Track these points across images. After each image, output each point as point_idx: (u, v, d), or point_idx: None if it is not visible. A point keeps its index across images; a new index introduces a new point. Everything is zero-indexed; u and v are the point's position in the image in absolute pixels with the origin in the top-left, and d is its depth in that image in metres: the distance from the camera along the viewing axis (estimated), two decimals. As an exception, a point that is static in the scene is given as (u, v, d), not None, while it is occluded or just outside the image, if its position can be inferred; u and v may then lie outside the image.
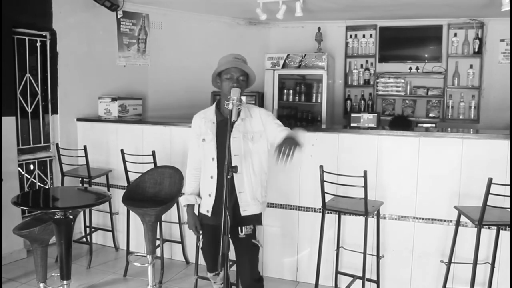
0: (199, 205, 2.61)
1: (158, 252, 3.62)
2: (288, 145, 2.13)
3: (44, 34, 4.34)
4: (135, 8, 5.24)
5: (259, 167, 2.50)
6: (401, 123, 4.77)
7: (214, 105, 2.58)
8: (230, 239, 2.38)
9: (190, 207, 2.59)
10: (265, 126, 2.48)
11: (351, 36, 5.99)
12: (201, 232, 2.62)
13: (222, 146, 2.36)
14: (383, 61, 5.86)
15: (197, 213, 2.64)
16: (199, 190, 2.60)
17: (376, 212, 3.13)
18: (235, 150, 2.42)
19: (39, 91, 4.38)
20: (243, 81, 2.44)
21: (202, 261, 3.76)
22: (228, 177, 2.20)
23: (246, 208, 2.47)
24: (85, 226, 4.47)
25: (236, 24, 6.15)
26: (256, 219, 2.54)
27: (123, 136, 4.33)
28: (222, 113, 2.50)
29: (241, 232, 2.45)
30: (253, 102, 5.49)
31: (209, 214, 2.50)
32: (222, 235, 2.18)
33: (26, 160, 4.25)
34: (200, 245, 2.68)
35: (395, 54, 5.82)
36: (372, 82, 5.88)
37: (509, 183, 2.73)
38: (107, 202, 4.10)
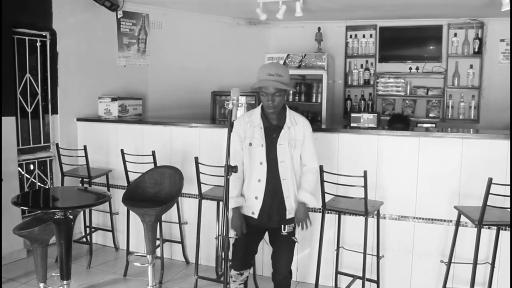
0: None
1: (158, 252, 3.62)
2: (302, 221, 2.60)
3: (44, 34, 4.34)
4: (135, 8, 5.24)
5: (299, 173, 2.66)
6: (400, 121, 4.77)
7: (259, 110, 2.63)
8: (267, 236, 2.68)
9: (237, 208, 2.62)
10: (305, 137, 2.63)
11: (351, 36, 5.99)
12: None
13: (269, 151, 2.53)
14: (383, 61, 5.86)
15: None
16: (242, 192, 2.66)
17: (376, 212, 3.13)
18: (282, 156, 2.55)
19: (39, 91, 4.38)
20: (279, 96, 2.50)
21: (202, 261, 3.78)
22: (228, 177, 2.22)
23: (291, 212, 2.61)
24: (85, 226, 4.47)
25: (236, 24, 6.15)
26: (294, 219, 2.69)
27: (123, 136, 4.33)
28: (268, 119, 2.60)
29: (284, 230, 2.61)
30: (253, 102, 5.49)
31: (255, 216, 2.59)
32: (222, 235, 2.19)
33: (26, 160, 4.25)
34: (233, 241, 2.71)
35: (395, 54, 5.82)
36: (372, 82, 5.88)
37: (509, 183, 2.73)
38: (107, 202, 4.11)
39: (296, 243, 2.70)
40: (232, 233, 2.70)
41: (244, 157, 2.61)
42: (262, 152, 2.55)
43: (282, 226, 2.60)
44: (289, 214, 2.60)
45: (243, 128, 2.60)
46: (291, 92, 5.72)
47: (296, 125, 2.60)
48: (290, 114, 2.63)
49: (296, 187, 2.62)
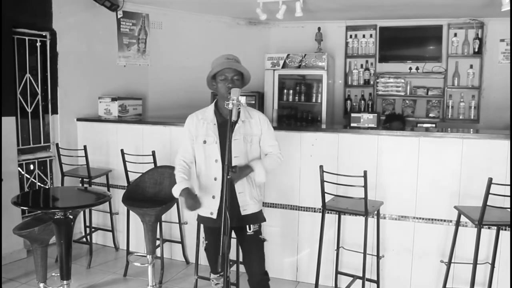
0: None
1: (158, 252, 3.62)
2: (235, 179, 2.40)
3: (44, 34, 4.34)
4: (135, 8, 5.24)
5: None
6: (395, 119, 4.81)
7: (212, 106, 2.59)
8: (233, 238, 2.47)
9: (186, 189, 2.48)
10: (262, 131, 2.56)
11: (351, 36, 5.99)
12: (204, 235, 2.65)
13: (225, 148, 2.38)
14: (383, 61, 5.86)
15: (197, 215, 2.64)
16: (194, 188, 2.57)
17: (376, 212, 3.13)
18: (236, 151, 2.46)
19: (39, 91, 4.38)
20: (238, 80, 2.47)
21: (202, 261, 3.77)
22: (228, 177, 2.21)
23: (246, 207, 2.54)
24: (85, 226, 4.47)
25: (236, 24, 6.15)
26: (260, 217, 2.63)
27: (123, 136, 4.33)
28: (222, 114, 2.53)
29: (249, 229, 2.54)
30: (253, 102, 5.49)
31: (214, 216, 2.52)
32: (222, 235, 2.19)
33: (26, 160, 4.25)
34: (204, 247, 2.70)
35: (395, 54, 5.82)
36: (372, 82, 5.88)
37: (509, 183, 2.73)
38: (107, 202, 4.10)
39: (265, 241, 2.63)
40: (201, 239, 2.69)
41: (199, 156, 2.55)
42: (216, 149, 2.48)
43: (247, 226, 2.53)
44: (244, 211, 2.52)
45: (195, 126, 2.55)
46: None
47: (251, 119, 2.54)
48: (245, 109, 2.55)
49: (251, 184, 2.54)
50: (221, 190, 2.45)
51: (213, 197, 2.52)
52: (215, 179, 2.50)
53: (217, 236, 2.45)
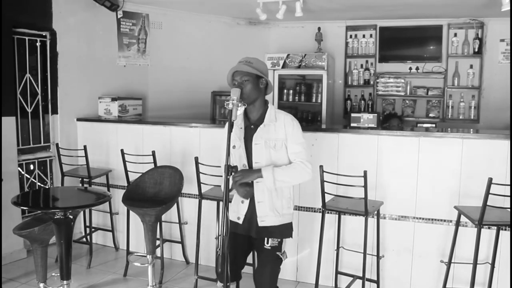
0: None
1: (158, 252, 3.62)
2: (237, 178, 2.32)
3: (44, 34, 4.34)
4: (135, 8, 5.24)
5: None
6: (393, 117, 4.81)
7: (242, 112, 2.49)
8: (253, 249, 2.44)
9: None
10: (287, 137, 2.41)
11: (351, 36, 5.98)
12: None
13: (249, 152, 2.39)
14: (383, 61, 5.86)
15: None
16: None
17: (376, 212, 3.13)
18: (257, 157, 2.40)
19: (39, 91, 4.38)
20: (247, 81, 2.36)
21: (202, 261, 3.78)
22: (228, 177, 2.20)
23: (264, 219, 2.42)
24: (85, 226, 4.47)
25: (236, 24, 6.15)
26: (281, 232, 2.47)
27: (123, 136, 4.33)
28: (249, 118, 2.48)
29: (267, 243, 2.41)
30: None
31: (240, 221, 2.45)
32: (222, 235, 2.18)
33: (26, 160, 4.25)
34: (219, 253, 2.53)
35: (395, 54, 5.82)
36: (372, 82, 5.88)
37: (509, 183, 2.73)
38: (107, 202, 4.11)
39: (283, 259, 2.47)
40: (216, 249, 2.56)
41: (233, 160, 2.45)
42: (243, 154, 2.42)
43: (266, 239, 2.41)
44: (262, 222, 2.40)
45: (234, 131, 2.46)
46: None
47: (275, 121, 2.41)
48: (271, 111, 2.45)
49: (272, 194, 2.41)
50: (252, 196, 2.41)
51: (242, 201, 2.45)
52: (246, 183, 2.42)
53: (236, 243, 2.42)
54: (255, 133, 2.40)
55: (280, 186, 2.39)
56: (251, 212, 2.43)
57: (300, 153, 2.40)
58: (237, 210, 2.48)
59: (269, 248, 2.41)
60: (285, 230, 2.50)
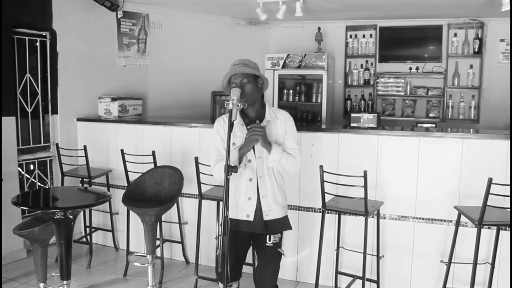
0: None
1: (158, 252, 3.62)
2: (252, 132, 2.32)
3: (44, 34, 4.34)
4: (135, 8, 5.24)
5: (279, 171, 2.50)
6: None
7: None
8: (252, 247, 2.43)
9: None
10: (286, 132, 2.49)
11: (351, 36, 5.99)
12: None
13: (255, 148, 2.40)
14: (383, 61, 5.86)
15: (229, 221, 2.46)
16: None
17: (376, 212, 3.13)
18: (259, 152, 2.42)
19: (39, 91, 4.38)
20: (248, 83, 2.41)
21: (202, 261, 3.78)
22: (228, 177, 2.20)
23: (269, 213, 2.45)
24: (85, 226, 4.47)
25: (236, 24, 6.15)
26: (284, 224, 2.53)
27: (123, 136, 4.33)
28: (247, 115, 2.49)
29: (269, 240, 2.44)
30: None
31: (251, 219, 2.44)
32: (222, 236, 2.18)
33: (26, 160, 4.25)
34: (218, 253, 2.57)
35: (395, 54, 5.82)
36: (372, 82, 5.88)
37: (509, 183, 2.73)
38: (107, 202, 4.10)
39: (283, 255, 2.51)
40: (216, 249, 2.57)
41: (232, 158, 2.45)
42: (250, 150, 2.42)
43: (268, 236, 2.43)
44: (266, 216, 2.43)
45: (223, 129, 2.49)
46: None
47: (277, 119, 2.49)
48: (270, 110, 2.52)
49: (275, 187, 2.46)
50: (257, 191, 2.42)
51: (249, 198, 2.44)
52: (250, 179, 2.44)
53: (242, 242, 2.43)
54: (232, 127, 2.36)
55: (275, 167, 2.44)
56: (257, 208, 2.43)
57: (296, 151, 2.51)
58: (244, 208, 2.46)
59: (272, 245, 2.45)
60: (287, 222, 2.56)
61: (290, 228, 2.58)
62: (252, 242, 2.58)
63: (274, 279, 2.52)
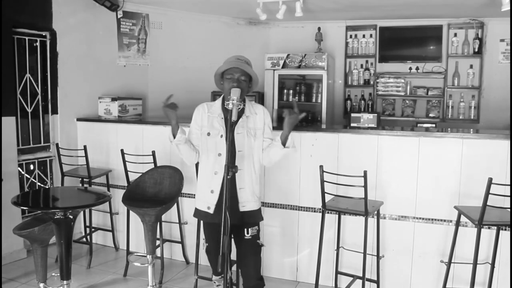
0: (194, 200, 2.59)
1: (158, 252, 3.62)
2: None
3: (44, 34, 4.34)
4: (135, 8, 5.24)
5: (258, 164, 2.57)
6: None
7: (219, 101, 2.60)
8: (232, 239, 2.43)
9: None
10: (265, 126, 2.57)
11: (351, 36, 5.99)
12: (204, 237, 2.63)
13: (230, 142, 2.38)
14: (383, 61, 5.86)
15: (194, 210, 2.65)
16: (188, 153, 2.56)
17: (376, 212, 3.13)
18: (239, 146, 2.47)
19: (39, 91, 4.38)
20: (244, 81, 2.47)
21: (202, 261, 3.77)
22: (228, 177, 2.21)
23: (245, 204, 2.52)
24: (85, 226, 4.47)
25: (236, 24, 6.15)
26: (258, 216, 2.60)
27: (123, 136, 4.33)
28: (228, 110, 2.48)
29: (247, 233, 2.51)
30: (253, 102, 5.49)
31: (211, 211, 2.50)
32: (222, 235, 2.18)
33: (26, 160, 4.25)
34: (205, 249, 2.68)
35: (395, 54, 5.82)
36: (372, 82, 5.88)
37: (509, 183, 2.73)
38: (107, 202, 4.10)
39: (262, 246, 2.60)
40: (202, 241, 2.68)
41: (202, 148, 2.56)
42: (221, 143, 2.46)
43: (245, 229, 2.50)
44: (243, 207, 2.50)
45: (201, 116, 2.58)
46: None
47: (256, 115, 2.56)
48: (249, 104, 2.59)
49: (253, 179, 2.53)
50: (221, 185, 2.44)
51: (212, 191, 2.51)
52: (216, 173, 2.49)
53: (217, 236, 2.42)
54: (237, 123, 2.44)
55: (291, 153, 2.56)
56: (232, 199, 2.41)
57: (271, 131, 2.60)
58: (206, 200, 2.53)
59: (250, 237, 2.52)
60: (259, 214, 2.62)
61: (262, 219, 2.64)
62: (232, 236, 2.60)
63: (258, 270, 2.59)
